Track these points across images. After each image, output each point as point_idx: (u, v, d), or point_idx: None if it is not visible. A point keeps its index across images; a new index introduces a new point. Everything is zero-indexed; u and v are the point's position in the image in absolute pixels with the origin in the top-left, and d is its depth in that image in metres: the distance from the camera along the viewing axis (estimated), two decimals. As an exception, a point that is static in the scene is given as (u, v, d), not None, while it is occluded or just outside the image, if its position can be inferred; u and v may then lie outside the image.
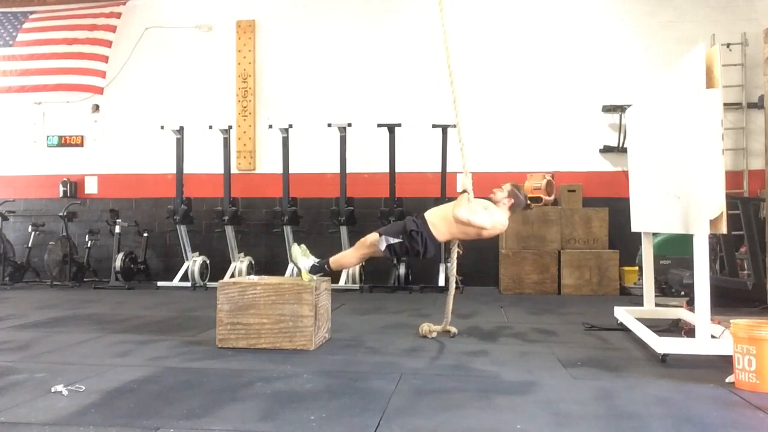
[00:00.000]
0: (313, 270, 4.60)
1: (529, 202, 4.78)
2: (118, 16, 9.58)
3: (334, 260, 4.73)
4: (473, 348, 4.48)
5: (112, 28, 9.51)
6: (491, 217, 4.57)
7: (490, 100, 8.75)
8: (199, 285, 8.37)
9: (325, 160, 8.74)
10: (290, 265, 8.29)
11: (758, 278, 5.86)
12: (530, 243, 7.96)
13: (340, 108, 8.89)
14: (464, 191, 4.64)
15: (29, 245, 9.03)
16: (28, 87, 9.36)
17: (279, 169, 8.54)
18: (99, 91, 9.44)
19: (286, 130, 8.43)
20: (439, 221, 4.60)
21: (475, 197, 4.69)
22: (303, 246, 4.82)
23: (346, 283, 8.12)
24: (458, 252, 4.92)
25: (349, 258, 4.91)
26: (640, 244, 5.75)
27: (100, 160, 9.62)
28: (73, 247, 8.94)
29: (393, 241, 4.53)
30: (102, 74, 9.42)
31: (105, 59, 9.45)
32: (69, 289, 8.40)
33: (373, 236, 4.65)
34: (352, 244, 8.26)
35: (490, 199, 4.74)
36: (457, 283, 4.94)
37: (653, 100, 4.85)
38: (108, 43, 9.47)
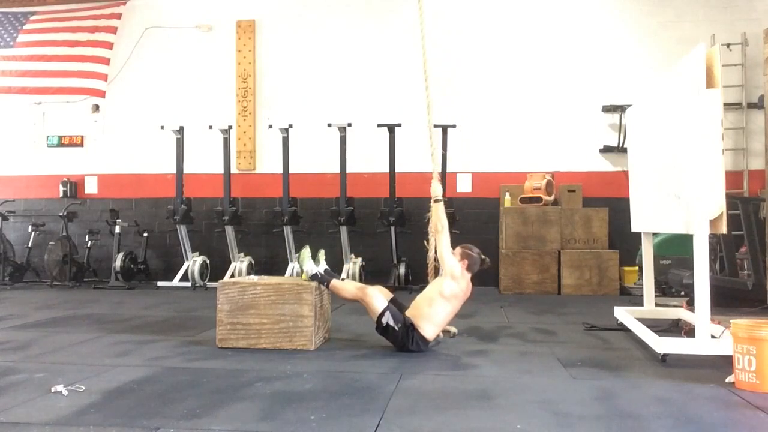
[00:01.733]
0: (313, 279, 4.54)
1: (484, 257, 4.58)
2: (118, 17, 9.58)
3: (334, 285, 4.55)
4: (473, 348, 4.49)
5: (113, 30, 9.51)
6: (459, 272, 4.37)
7: (490, 100, 8.75)
8: (199, 285, 8.36)
9: (325, 160, 8.74)
10: (290, 265, 8.30)
11: (758, 278, 5.86)
12: (530, 243, 7.96)
13: (340, 108, 8.89)
14: (437, 200, 4.49)
15: (29, 245, 9.04)
16: (29, 89, 9.34)
17: (279, 169, 8.54)
18: (101, 94, 9.44)
19: (286, 130, 8.43)
20: (424, 321, 4.29)
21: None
22: (322, 251, 4.69)
23: (346, 283, 8.11)
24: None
25: (348, 293, 4.57)
26: (640, 244, 5.75)
27: (100, 160, 9.62)
28: (73, 247, 8.94)
29: (392, 323, 4.29)
30: (104, 77, 9.40)
31: (107, 62, 9.44)
32: (69, 289, 8.40)
33: (380, 306, 4.33)
34: (352, 244, 8.37)
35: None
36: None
37: (653, 100, 4.85)
38: (109, 45, 9.47)
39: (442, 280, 4.35)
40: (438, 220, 4.45)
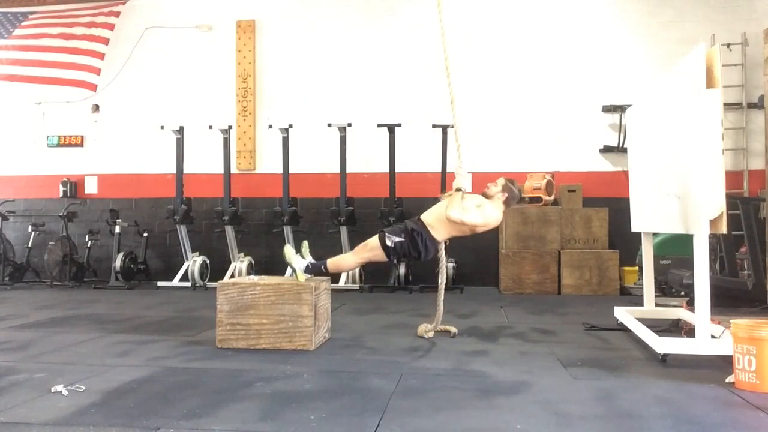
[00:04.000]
0: (308, 270, 4.56)
1: (523, 195, 4.76)
2: (117, 15, 9.55)
3: (332, 262, 4.66)
4: (473, 348, 4.49)
5: (111, 26, 9.46)
6: (483, 214, 4.54)
7: (490, 100, 8.75)
8: (199, 285, 8.37)
9: (325, 160, 8.75)
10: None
11: (758, 278, 5.86)
12: (530, 243, 7.95)
13: (340, 108, 8.89)
14: (458, 189, 4.57)
15: (29, 245, 9.03)
16: (18, 77, 9.18)
17: (279, 169, 8.54)
18: (92, 87, 9.30)
19: (286, 130, 8.43)
20: (435, 222, 4.57)
21: (470, 193, 4.67)
22: (304, 243, 4.77)
23: (346, 283, 8.12)
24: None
25: (348, 261, 4.85)
26: (640, 244, 5.74)
27: (100, 160, 9.62)
28: (73, 247, 8.94)
29: (397, 239, 4.49)
30: (97, 71, 9.28)
31: (101, 56, 9.33)
32: (69, 289, 8.40)
33: (374, 239, 4.61)
34: (352, 244, 8.35)
35: (484, 194, 4.71)
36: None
37: (653, 100, 4.85)
38: (105, 41, 9.39)
39: (471, 214, 4.47)
40: (452, 208, 4.48)
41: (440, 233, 4.59)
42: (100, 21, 9.45)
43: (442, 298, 4.88)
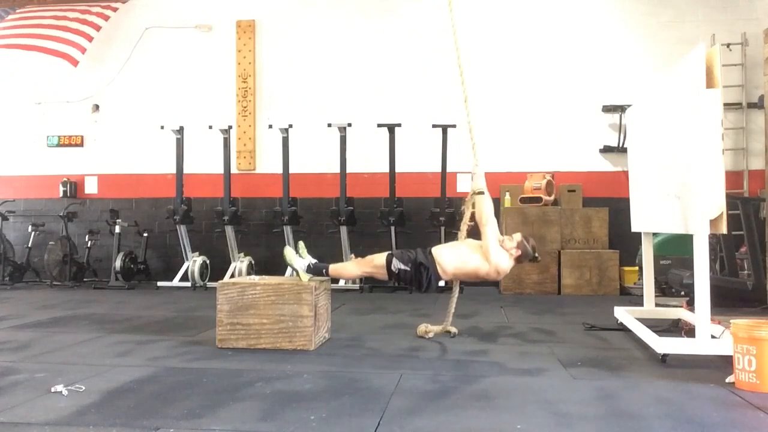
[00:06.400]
0: (309, 270, 4.58)
1: (536, 255, 4.69)
2: (114, 9, 9.54)
3: (334, 269, 4.67)
4: (473, 348, 4.49)
5: (105, 17, 9.42)
6: (507, 264, 4.54)
7: (490, 100, 8.73)
8: (199, 285, 8.36)
9: (325, 160, 8.75)
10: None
11: (758, 278, 5.86)
12: (530, 243, 7.94)
13: (340, 108, 8.89)
14: (480, 192, 4.58)
15: (29, 245, 9.03)
16: (2, 45, 9.16)
17: (279, 169, 8.54)
18: (74, 62, 9.20)
19: (286, 130, 8.43)
20: (447, 264, 4.50)
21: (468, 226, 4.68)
22: (300, 243, 4.80)
23: (346, 283, 8.11)
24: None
25: (350, 271, 4.88)
26: (640, 244, 5.74)
27: (100, 160, 9.62)
28: (73, 247, 8.94)
29: (402, 267, 4.48)
30: (82, 49, 9.22)
31: (89, 38, 9.28)
32: (69, 289, 8.40)
33: (381, 258, 4.58)
34: (352, 244, 8.37)
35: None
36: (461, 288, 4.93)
37: (653, 100, 4.85)
38: (96, 27, 9.36)
39: (483, 261, 4.45)
40: (482, 213, 4.50)
41: (447, 274, 4.57)
42: (95, 11, 9.46)
43: (455, 300, 4.89)
